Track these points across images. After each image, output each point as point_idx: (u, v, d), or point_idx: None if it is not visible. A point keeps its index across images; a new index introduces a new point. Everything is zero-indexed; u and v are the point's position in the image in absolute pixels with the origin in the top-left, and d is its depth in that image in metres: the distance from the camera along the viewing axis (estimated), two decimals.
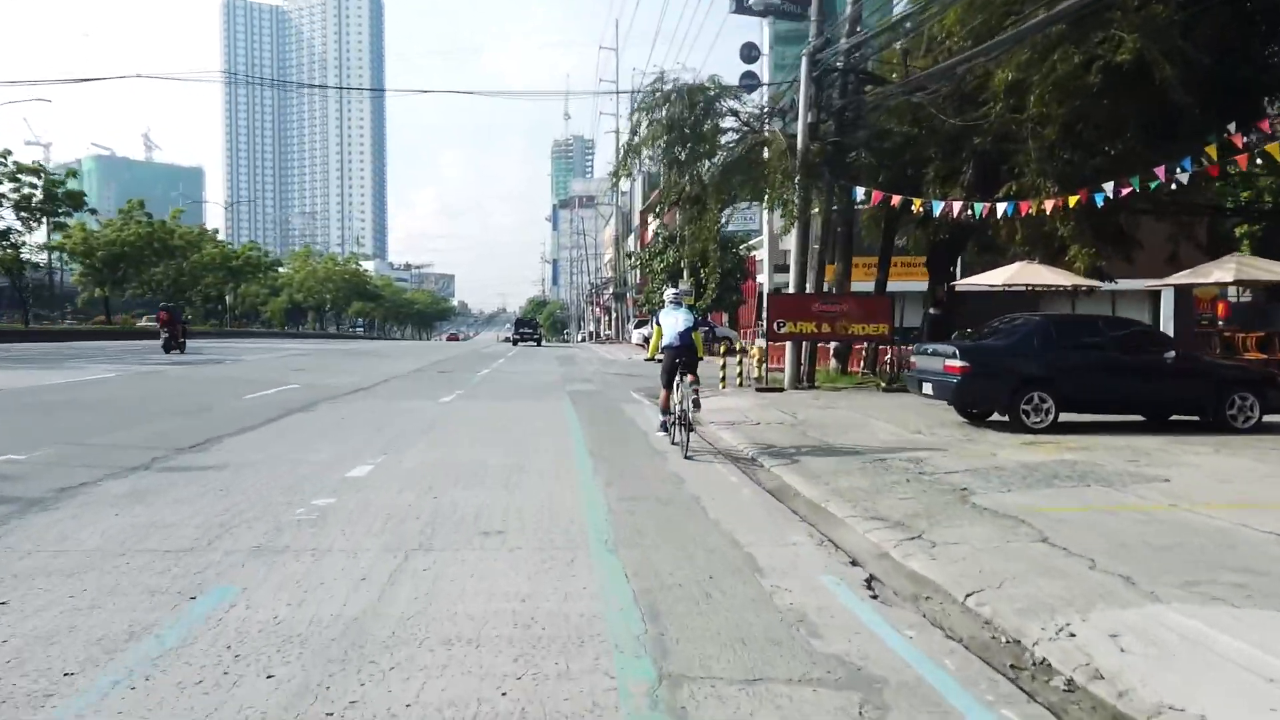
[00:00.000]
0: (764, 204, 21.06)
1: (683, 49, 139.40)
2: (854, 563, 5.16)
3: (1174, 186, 13.49)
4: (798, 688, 3.34)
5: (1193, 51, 13.11)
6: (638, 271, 57.20)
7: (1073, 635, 3.87)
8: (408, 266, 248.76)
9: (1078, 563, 4.93)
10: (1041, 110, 13.84)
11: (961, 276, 22.43)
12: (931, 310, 19.32)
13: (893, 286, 20.68)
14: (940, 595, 4.58)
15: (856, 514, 6.29)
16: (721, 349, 19.40)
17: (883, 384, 17.34)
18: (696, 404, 9.22)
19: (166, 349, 29.37)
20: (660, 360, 9.84)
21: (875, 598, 4.51)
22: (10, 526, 5.63)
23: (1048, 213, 13.76)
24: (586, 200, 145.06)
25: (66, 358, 26.04)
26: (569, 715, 3.08)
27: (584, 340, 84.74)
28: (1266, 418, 10.77)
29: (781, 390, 16.86)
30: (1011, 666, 3.69)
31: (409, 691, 3.25)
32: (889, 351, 18.48)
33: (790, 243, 22.88)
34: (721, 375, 17.73)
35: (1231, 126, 13.75)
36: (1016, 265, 17.23)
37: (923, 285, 27.70)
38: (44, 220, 45.28)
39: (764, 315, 24.50)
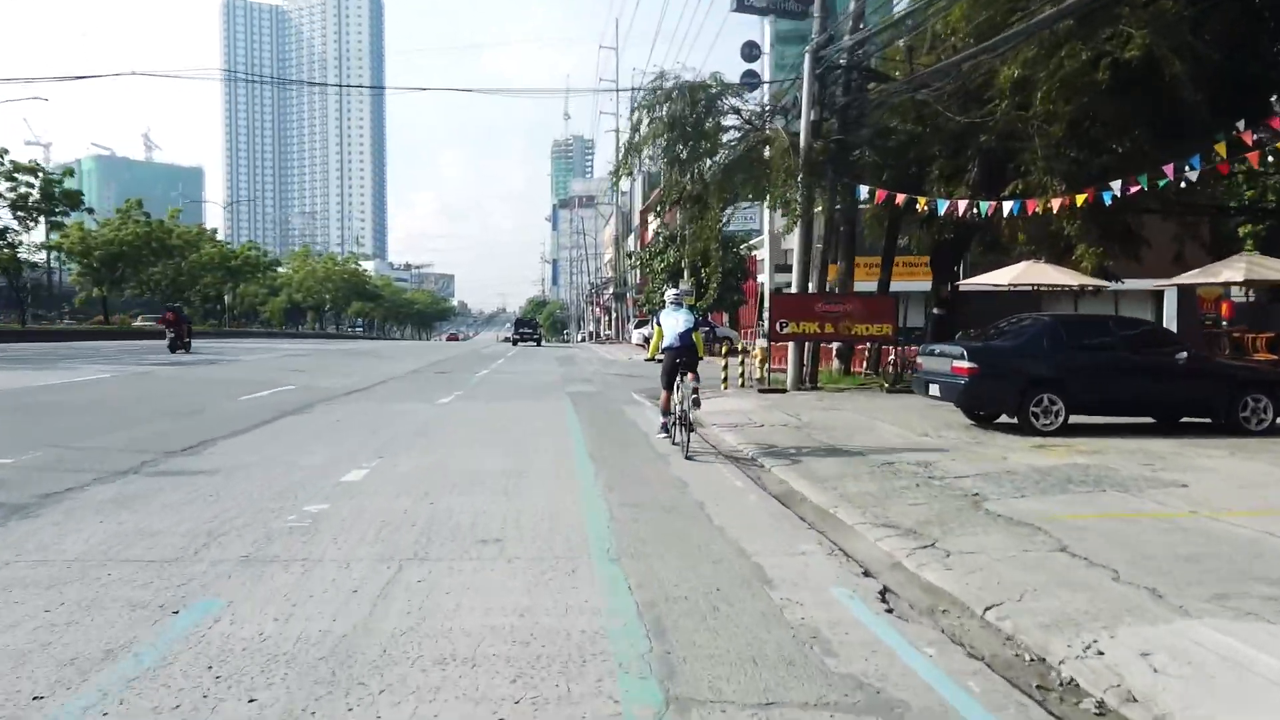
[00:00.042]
0: (766, 203, 20.88)
1: (683, 49, 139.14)
2: (866, 573, 4.96)
3: (1183, 185, 13.32)
4: (814, 712, 3.14)
5: (1202, 48, 12.94)
6: (638, 271, 57.01)
7: (1101, 653, 3.67)
8: (407, 266, 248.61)
9: (1100, 574, 4.73)
10: (1048, 108, 13.65)
11: (965, 276, 22.24)
12: (935, 310, 19.13)
13: (895, 286, 20.49)
14: (958, 609, 4.38)
15: (866, 521, 6.09)
16: (724, 349, 19.18)
17: (886, 385, 17.13)
18: (696, 403, 9.23)
19: (172, 349, 29.86)
20: (660, 361, 9.76)
21: (890, 611, 4.31)
22: None
23: (1054, 211, 13.57)
24: (586, 200, 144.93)
25: (62, 358, 25.83)
26: None
27: (584, 340, 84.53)
28: None
29: (784, 391, 16.66)
30: (1038, 687, 3.49)
31: (399, 717, 3.05)
32: (892, 352, 18.28)
33: (792, 242, 22.70)
34: (723, 376, 17.52)
35: (1240, 124, 13.58)
36: (1023, 265, 17.03)
37: (925, 285, 27.51)
38: (40, 220, 45.02)
39: (765, 315, 24.30)
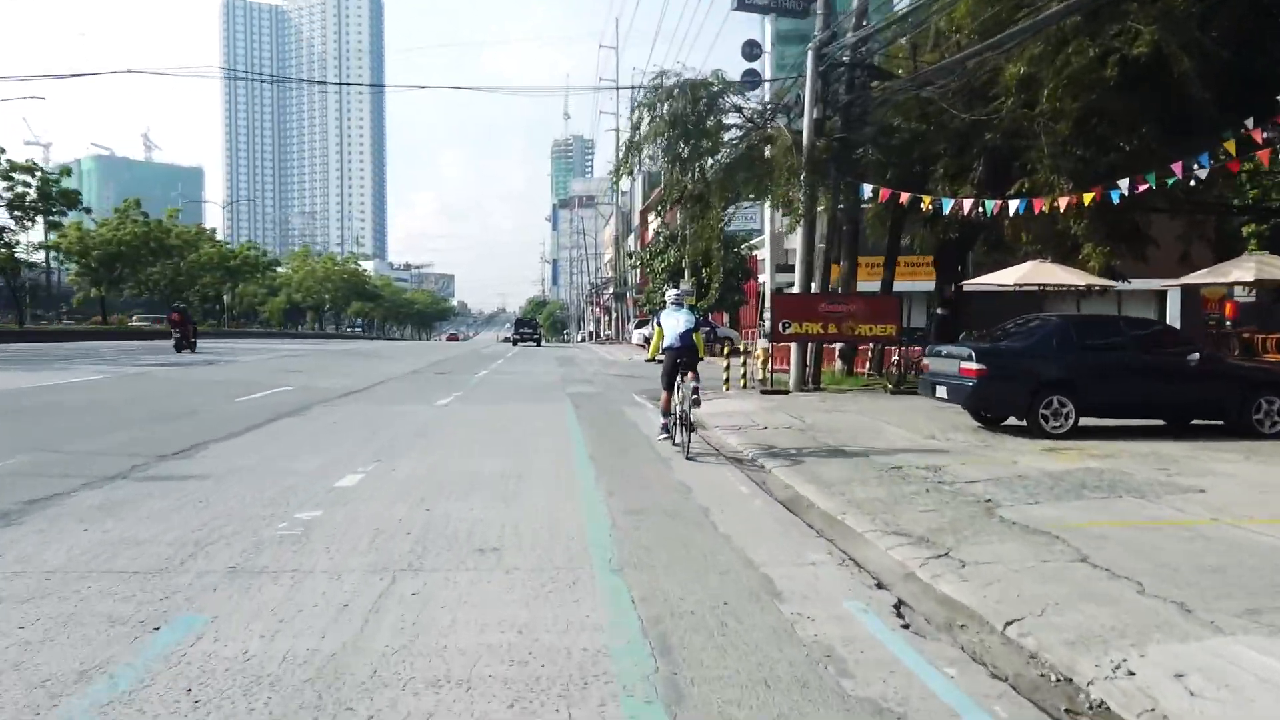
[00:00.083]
0: (768, 202, 20.69)
1: (683, 48, 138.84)
2: (879, 585, 4.76)
3: (1193, 183, 13.13)
4: None
5: (1210, 44, 12.75)
6: (638, 271, 56.84)
7: (1132, 674, 3.47)
8: (407, 266, 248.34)
9: (1124, 586, 4.53)
10: (1054, 105, 13.45)
11: (968, 276, 22.04)
12: (939, 310, 18.95)
13: (897, 286, 20.28)
14: (977, 623, 4.19)
15: (876, 528, 5.89)
16: (725, 350, 18.98)
17: (889, 386, 16.95)
18: (697, 403, 9.21)
19: (178, 349, 30.38)
20: (661, 361, 9.70)
21: (907, 627, 4.11)
22: None
23: (1061, 210, 13.38)
24: (586, 200, 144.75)
25: (59, 358, 25.64)
26: None
27: (584, 340, 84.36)
28: None
29: (786, 392, 16.46)
30: (1067, 711, 3.29)
31: None
32: (895, 352, 18.09)
33: (794, 242, 22.51)
34: (725, 377, 17.33)
35: (1249, 122, 13.38)
36: (1029, 264, 16.83)
37: (927, 285, 27.34)
38: (37, 219, 44.81)
39: (766, 315, 24.11)
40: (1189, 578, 4.67)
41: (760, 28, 61.63)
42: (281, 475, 7.59)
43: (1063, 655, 3.70)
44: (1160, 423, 10.92)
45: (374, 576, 4.72)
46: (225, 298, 78.46)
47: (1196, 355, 10.17)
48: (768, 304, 22.93)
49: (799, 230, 17.70)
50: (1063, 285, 17.02)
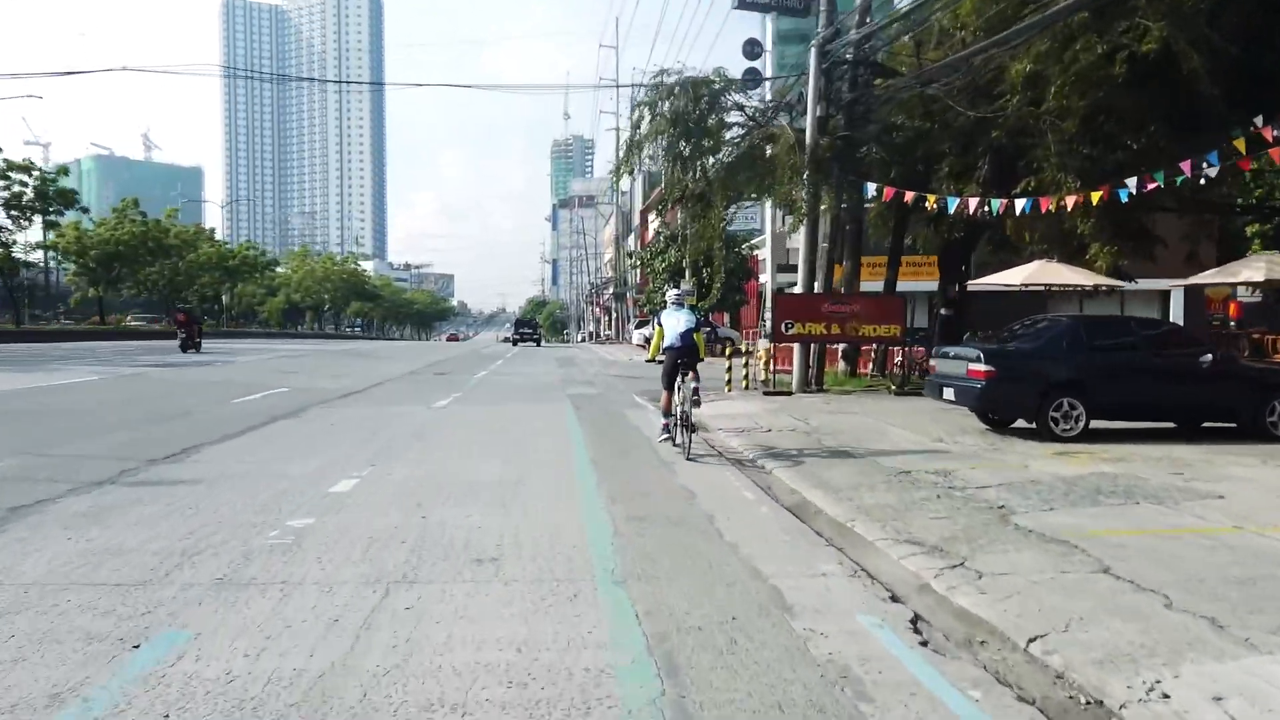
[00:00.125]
0: (770, 201, 20.51)
1: (683, 48, 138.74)
2: (894, 597, 4.56)
3: (1202, 181, 12.95)
4: None
5: (1219, 40, 12.57)
6: (638, 271, 56.66)
7: (1166, 697, 3.28)
8: (407, 266, 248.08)
9: (1150, 600, 4.33)
10: (1061, 103, 13.26)
11: (972, 276, 21.84)
12: (943, 311, 18.73)
13: (899, 286, 20.07)
14: (998, 640, 3.99)
15: (887, 536, 5.70)
16: (727, 350, 18.78)
17: (893, 387, 16.76)
18: (697, 403, 9.21)
19: (184, 348, 31.14)
20: (661, 361, 9.63)
21: (925, 644, 3.91)
22: None
23: (1069, 209, 13.19)
24: (586, 200, 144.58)
25: (55, 359, 25.45)
26: None
27: (584, 340, 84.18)
28: None
29: (789, 394, 16.27)
30: None
31: None
32: (899, 353, 17.89)
33: (796, 241, 22.31)
34: (727, 378, 17.14)
35: (1259, 120, 13.17)
36: (1035, 264, 16.62)
37: (930, 285, 27.12)
38: (34, 219, 44.57)
39: (767, 315, 23.91)
40: (1217, 590, 4.47)
41: (761, 27, 61.55)
42: (275, 480, 7.39)
43: (1091, 675, 3.51)
44: (1171, 425, 10.73)
45: (367, 589, 4.52)
46: (224, 298, 78.26)
47: (1209, 356, 9.98)
48: (769, 304, 22.76)
49: (801, 230, 17.51)
50: (1070, 285, 16.81)
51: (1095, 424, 10.13)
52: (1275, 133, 11.99)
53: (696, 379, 9.12)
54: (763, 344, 25.48)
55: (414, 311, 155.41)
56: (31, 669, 3.45)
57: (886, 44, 17.99)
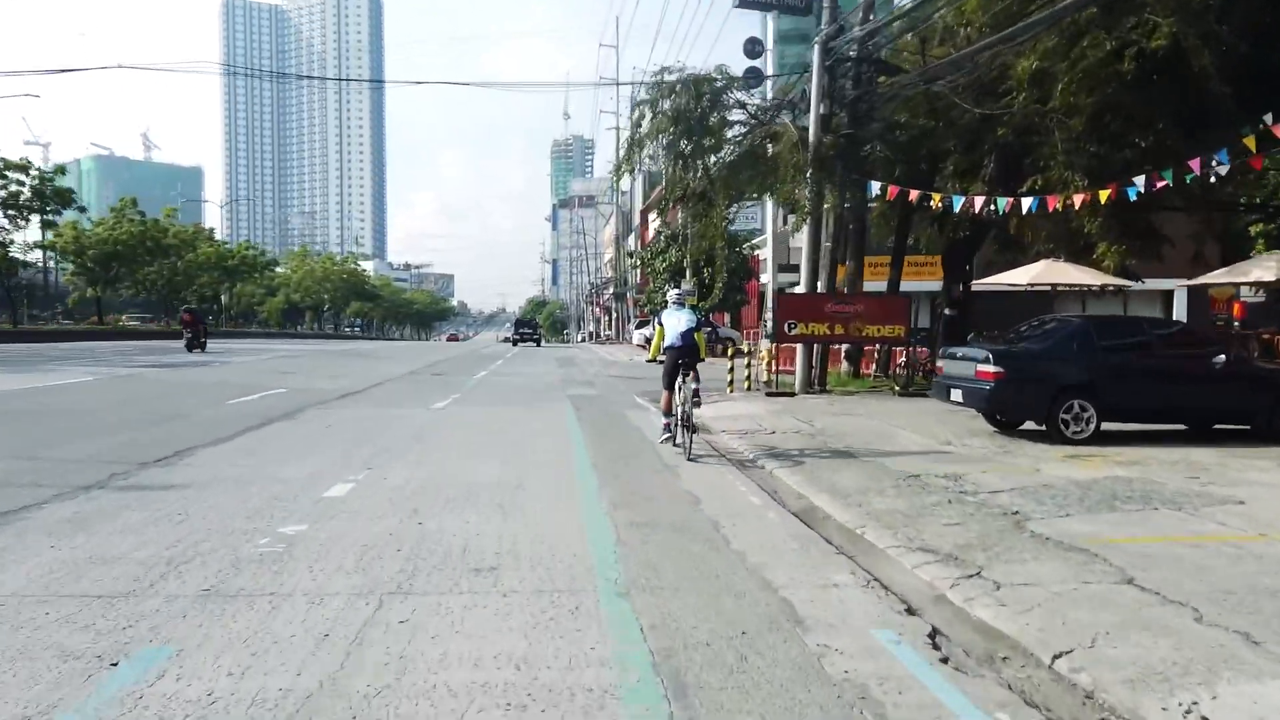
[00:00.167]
0: (773, 199, 20.31)
1: (683, 48, 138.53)
2: (909, 610, 4.37)
3: (1212, 180, 12.76)
4: None
5: (1228, 36, 12.40)
6: (638, 271, 56.49)
7: (1205, 719, 3.09)
8: (407, 266, 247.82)
9: (1179, 613, 4.14)
10: (1068, 100, 13.07)
11: (974, 276, 21.65)
12: (947, 311, 18.54)
13: (902, 286, 19.88)
14: (1021, 655, 3.80)
15: (900, 544, 5.51)
16: (729, 351, 18.59)
17: (897, 388, 16.57)
18: (697, 404, 9.23)
19: (189, 348, 31.61)
20: (662, 361, 9.58)
21: (945, 661, 3.72)
22: None
23: (1076, 208, 13.00)
24: (586, 200, 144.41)
25: (51, 359, 25.23)
26: None
27: (584, 341, 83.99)
28: None
29: (793, 395, 16.08)
30: None
31: None
32: (903, 354, 17.70)
33: (798, 241, 22.10)
34: (729, 379, 16.95)
35: (1268, 117, 12.98)
36: (1042, 264, 16.42)
37: (932, 285, 26.91)
38: (32, 218, 44.33)
39: (768, 315, 23.70)
40: (1248, 603, 4.28)
41: (761, 27, 61.40)
42: (268, 484, 7.20)
43: (1123, 696, 3.32)
44: (1181, 428, 10.55)
45: (359, 600, 4.33)
46: (223, 298, 78.01)
47: (1222, 357, 9.78)
48: (770, 304, 22.56)
49: (804, 229, 17.30)
50: (1077, 285, 16.60)
51: (1106, 426, 9.95)
52: None
53: (697, 379, 9.14)
54: (763, 344, 25.29)
55: (414, 312, 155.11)
56: (1, 689, 3.26)
57: (890, 41, 17.81)
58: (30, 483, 7.06)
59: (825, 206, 16.43)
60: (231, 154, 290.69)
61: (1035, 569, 4.91)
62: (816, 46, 16.33)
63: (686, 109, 16.88)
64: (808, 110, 16.85)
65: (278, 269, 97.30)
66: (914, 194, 14.70)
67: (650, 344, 10.19)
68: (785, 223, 29.85)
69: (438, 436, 10.46)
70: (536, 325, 66.55)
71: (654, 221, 51.43)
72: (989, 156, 15.66)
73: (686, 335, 9.30)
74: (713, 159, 18.08)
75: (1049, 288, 16.63)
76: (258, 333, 79.61)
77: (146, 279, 58.51)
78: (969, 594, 4.54)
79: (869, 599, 4.52)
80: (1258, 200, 22.52)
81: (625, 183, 67.79)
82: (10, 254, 44.40)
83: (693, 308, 10.21)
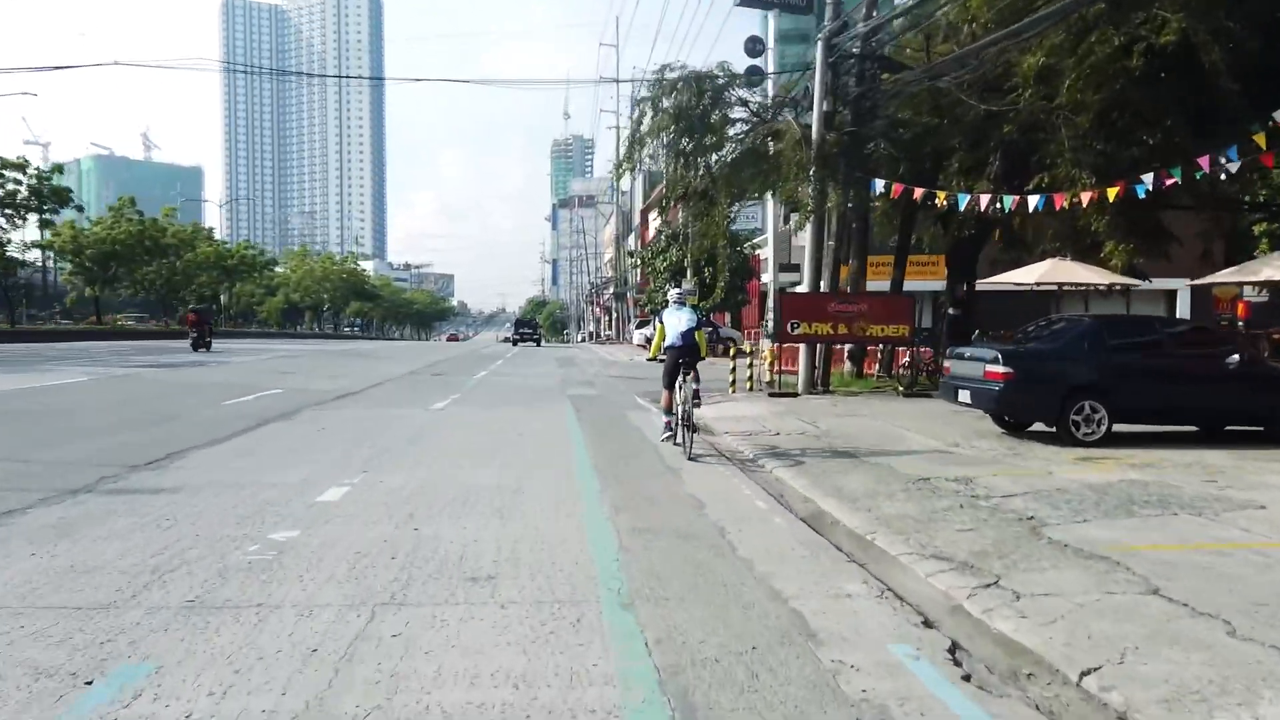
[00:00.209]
0: (777, 197, 20.12)
1: (684, 48, 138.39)
2: (926, 623, 4.18)
3: (1223, 177, 12.58)
4: None
5: (1239, 32, 12.22)
6: (638, 271, 56.31)
7: None
8: (407, 266, 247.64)
9: (1210, 626, 3.95)
10: (1075, 97, 12.88)
11: (977, 275, 21.44)
12: (950, 310, 18.36)
13: (905, 286, 19.67)
14: (1047, 673, 3.60)
15: (912, 551, 5.31)
16: (731, 351, 18.40)
17: (900, 388, 16.38)
18: (697, 404, 9.23)
19: (195, 347, 32.32)
20: (662, 361, 9.56)
21: (968, 679, 3.53)
22: None
23: (1083, 206, 12.81)
24: (586, 200, 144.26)
25: (48, 359, 25.04)
26: None
27: (584, 341, 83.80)
28: None
29: (795, 395, 15.89)
30: None
31: None
32: (907, 354, 17.52)
33: (800, 240, 21.91)
34: (731, 379, 16.76)
35: (1278, 114, 12.79)
36: (1048, 262, 16.21)
37: (933, 284, 26.77)
38: (27, 217, 44.11)
39: (769, 315, 23.56)
40: None
41: (762, 27, 61.25)
42: (260, 488, 7.00)
43: (1159, 717, 3.12)
44: (1192, 429, 10.36)
45: (351, 612, 4.14)
46: (222, 298, 77.77)
47: (1236, 357, 9.58)
48: (771, 303, 22.37)
49: (807, 228, 17.10)
50: (1084, 284, 16.40)
51: (1115, 428, 9.75)
52: None
53: (697, 380, 9.15)
54: (765, 344, 25.11)
55: (414, 311, 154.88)
56: None
57: (893, 38, 17.62)
58: (17, 486, 6.87)
59: (828, 205, 16.24)
60: (232, 154, 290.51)
61: (1055, 578, 4.72)
62: (820, 43, 16.14)
63: (688, 106, 16.69)
64: (810, 108, 16.67)
65: (277, 269, 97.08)
66: (918, 192, 14.51)
67: (651, 344, 10.13)
68: (786, 222, 29.66)
69: (436, 438, 10.27)
70: (536, 325, 66.53)
71: (654, 221, 51.25)
72: (994, 154, 15.46)
73: (687, 335, 9.29)
74: (714, 157, 17.89)
75: (1055, 287, 16.38)
76: (257, 333, 79.40)
77: (145, 279, 58.27)
78: (987, 605, 4.34)
79: (884, 610, 4.33)
80: (1261, 199, 22.34)
81: (625, 182, 67.62)
82: (8, 253, 44.17)
83: (693, 307, 10.13)
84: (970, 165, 15.76)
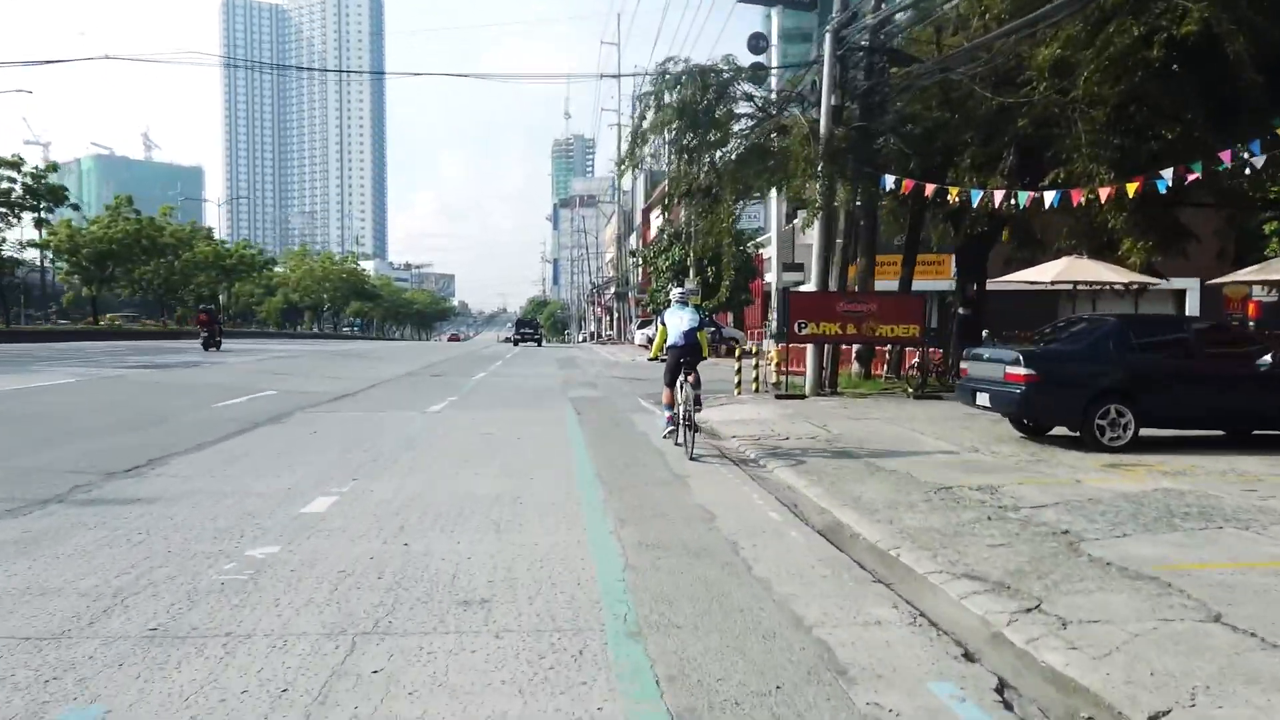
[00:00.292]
0: (783, 194, 19.72)
1: (685, 47, 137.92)
2: (968, 655, 3.77)
3: (1246, 172, 12.18)
4: None
5: (1262, 23, 11.82)
6: (640, 270, 55.94)
7: None
8: (407, 266, 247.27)
9: None
10: (1091, 90, 12.48)
11: (986, 274, 21.02)
12: (960, 310, 17.93)
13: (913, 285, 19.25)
14: (1108, 715, 3.20)
15: (942, 569, 4.90)
16: (736, 352, 17.99)
17: (910, 390, 15.96)
18: (698, 409, 9.13)
19: (206, 347, 32.98)
20: (664, 360, 9.44)
21: None
22: None
23: (1101, 202, 12.40)
24: (587, 199, 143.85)
25: (39, 360, 24.64)
26: None
27: (585, 341, 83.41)
28: None
29: (803, 397, 15.49)
30: None
31: None
32: (916, 354, 17.10)
33: (806, 238, 21.50)
34: (736, 380, 16.35)
35: None
36: (1064, 260, 15.78)
37: (940, 284, 26.35)
38: (22, 216, 43.70)
39: (772, 315, 23.12)
40: None
41: (765, 25, 60.79)
42: (242, 498, 6.60)
43: None
44: (1219, 434, 9.95)
45: (329, 643, 3.73)
46: (221, 297, 77.36)
47: (1268, 358, 9.15)
48: (774, 303, 21.97)
49: (814, 226, 16.68)
50: (1103, 283, 15.96)
51: (1140, 432, 9.32)
52: None
53: (698, 385, 9.05)
54: (767, 344, 24.68)
55: (414, 311, 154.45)
56: None
57: (902, 31, 17.21)
58: None
59: (836, 202, 15.83)
60: (232, 154, 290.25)
61: (1103, 601, 4.31)
62: (828, 35, 15.74)
63: (692, 101, 16.29)
64: (817, 103, 16.27)
65: (276, 268, 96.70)
66: (930, 188, 14.10)
67: (653, 344, 9.93)
68: (790, 221, 29.27)
69: (432, 442, 9.87)
70: (537, 325, 66.39)
71: (656, 220, 50.85)
72: (1008, 149, 15.07)
73: (689, 335, 9.19)
74: (719, 153, 17.49)
75: (1070, 285, 15.95)
76: (255, 333, 78.99)
77: (142, 278, 57.86)
78: (1032, 633, 3.93)
79: (919, 641, 3.91)
80: (1272, 196, 21.92)
81: (627, 181, 67.26)
82: (3, 253, 43.77)
83: (696, 307, 9.90)
84: (983, 161, 15.35)
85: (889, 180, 14.79)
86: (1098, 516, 6.07)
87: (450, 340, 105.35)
